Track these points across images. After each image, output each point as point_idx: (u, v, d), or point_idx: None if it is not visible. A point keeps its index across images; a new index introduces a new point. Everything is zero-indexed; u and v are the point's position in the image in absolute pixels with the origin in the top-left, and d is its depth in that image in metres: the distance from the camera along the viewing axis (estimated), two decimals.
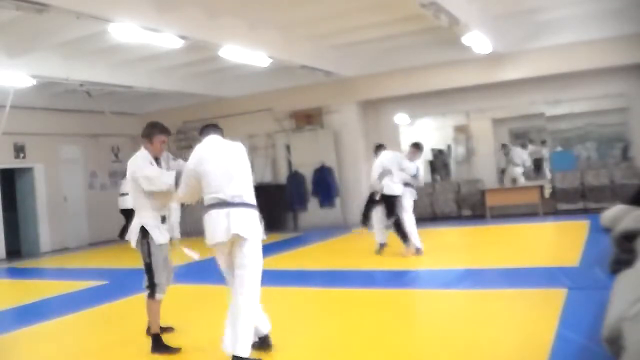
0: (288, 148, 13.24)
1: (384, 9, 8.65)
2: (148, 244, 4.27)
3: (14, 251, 12.52)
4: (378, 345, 4.07)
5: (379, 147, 8.44)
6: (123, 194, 12.47)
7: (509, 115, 12.55)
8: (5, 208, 12.34)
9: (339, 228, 12.01)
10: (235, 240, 3.77)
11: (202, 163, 3.90)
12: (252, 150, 12.92)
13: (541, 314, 4.41)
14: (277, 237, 10.47)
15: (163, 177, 4.21)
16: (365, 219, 8.58)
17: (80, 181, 13.93)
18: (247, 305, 3.74)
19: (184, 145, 14.29)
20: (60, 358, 4.59)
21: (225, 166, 3.87)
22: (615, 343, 2.81)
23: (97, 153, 14.30)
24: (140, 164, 4.30)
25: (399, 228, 7.88)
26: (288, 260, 8.55)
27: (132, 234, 4.35)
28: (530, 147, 12.79)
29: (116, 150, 14.88)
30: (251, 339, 3.74)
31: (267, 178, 13.40)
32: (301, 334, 4.52)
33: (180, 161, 4.50)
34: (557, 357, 3.40)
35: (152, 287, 4.31)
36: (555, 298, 4.71)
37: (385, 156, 8.12)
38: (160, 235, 4.32)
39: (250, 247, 3.79)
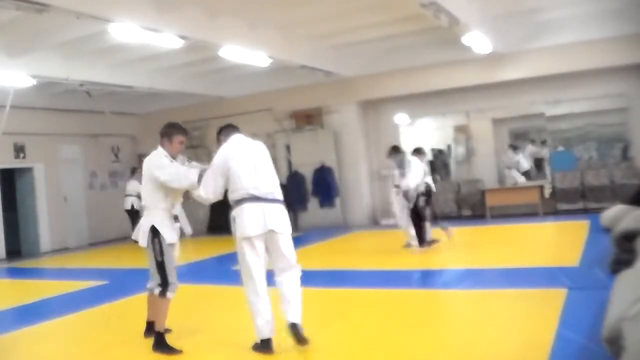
0: (288, 148, 13.24)
1: (384, 9, 8.65)
2: (160, 243, 4.27)
3: (14, 251, 12.51)
4: (378, 345, 4.07)
5: (397, 149, 8.53)
6: (128, 195, 12.51)
7: (509, 115, 12.54)
8: (5, 208, 12.33)
9: (339, 228, 12.01)
10: (269, 236, 3.99)
11: (232, 161, 4.05)
12: None
13: (541, 314, 4.41)
14: None
15: (188, 174, 4.22)
16: (435, 218, 8.43)
17: (80, 181, 13.91)
18: (294, 280, 4.07)
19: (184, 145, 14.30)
20: (60, 358, 4.60)
21: (255, 164, 4.09)
22: (615, 343, 2.81)
23: (97, 153, 14.29)
24: (162, 162, 4.30)
25: (420, 223, 8.01)
26: None
27: (141, 234, 4.34)
28: (531, 148, 12.76)
29: (116, 150, 14.88)
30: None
31: None
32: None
33: (195, 163, 4.53)
34: (557, 357, 3.40)
35: (164, 286, 4.30)
36: (555, 298, 4.71)
37: (419, 159, 8.32)
38: (170, 234, 4.33)
39: (285, 239, 4.05)
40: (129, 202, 12.36)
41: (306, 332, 3.99)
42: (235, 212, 4.02)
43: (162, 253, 4.28)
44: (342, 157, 12.79)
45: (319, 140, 12.75)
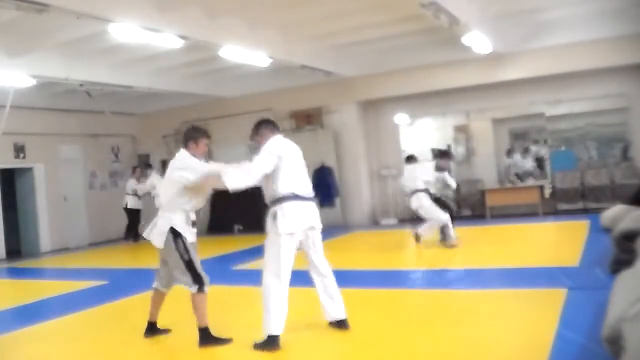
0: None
1: (384, 9, 8.65)
2: (183, 242, 4.26)
3: (14, 251, 12.50)
4: (378, 344, 4.07)
5: (448, 154, 8.97)
6: (126, 193, 12.61)
7: (509, 115, 12.54)
8: (5, 208, 12.33)
9: (339, 228, 12.00)
10: (307, 232, 4.26)
11: (283, 156, 4.23)
12: (252, 150, 12.90)
13: (541, 314, 4.41)
14: None
15: (228, 169, 4.26)
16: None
17: (80, 181, 13.91)
18: (331, 274, 4.41)
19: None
20: (60, 358, 4.60)
21: (299, 164, 4.38)
22: (615, 343, 2.81)
23: (97, 153, 14.29)
24: (190, 162, 4.33)
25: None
26: None
27: (157, 234, 4.30)
28: (532, 148, 12.72)
29: (116, 150, 14.88)
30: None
31: None
32: (301, 333, 4.52)
33: (213, 162, 4.63)
34: (557, 357, 3.40)
35: (199, 282, 4.28)
36: (555, 298, 4.71)
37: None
38: (190, 235, 4.34)
39: (319, 236, 4.38)
40: (124, 200, 12.56)
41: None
42: (276, 209, 4.14)
43: (187, 251, 4.27)
44: (342, 157, 12.79)
45: (319, 140, 12.74)
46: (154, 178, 12.41)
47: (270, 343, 4.02)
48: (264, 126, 4.44)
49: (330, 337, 4.37)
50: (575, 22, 10.13)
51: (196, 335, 4.29)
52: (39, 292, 7.61)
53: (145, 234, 4.47)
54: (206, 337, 4.26)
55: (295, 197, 4.18)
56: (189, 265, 4.26)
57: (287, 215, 4.11)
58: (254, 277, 7.13)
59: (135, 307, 6.03)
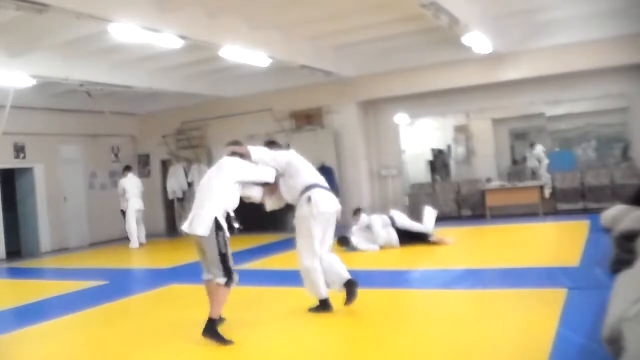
0: (288, 148, 13.20)
1: (384, 9, 8.65)
2: (223, 235, 4.39)
3: (14, 251, 12.50)
4: (377, 345, 4.07)
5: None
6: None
7: (509, 115, 12.56)
8: (5, 208, 12.33)
9: (339, 228, 11.88)
10: (330, 215, 4.88)
11: (292, 160, 5.00)
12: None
13: (541, 314, 4.41)
14: (277, 237, 10.45)
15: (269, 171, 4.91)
16: None
17: (80, 181, 13.92)
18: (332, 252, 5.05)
19: (183, 145, 14.31)
20: (60, 358, 4.60)
21: (308, 165, 5.13)
22: (615, 343, 2.81)
23: (97, 153, 14.30)
24: (247, 165, 4.80)
25: None
26: (288, 261, 8.50)
27: (203, 223, 4.36)
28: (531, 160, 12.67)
29: (116, 150, 14.89)
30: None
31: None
32: (301, 333, 4.52)
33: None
34: (557, 357, 3.40)
35: (229, 276, 4.41)
36: (555, 298, 4.71)
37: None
38: (227, 231, 4.45)
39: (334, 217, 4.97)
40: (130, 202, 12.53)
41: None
42: (309, 194, 4.81)
43: (225, 245, 4.40)
44: (342, 157, 12.78)
45: (319, 140, 12.73)
46: (128, 179, 12.28)
47: (324, 306, 4.87)
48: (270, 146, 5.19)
49: (331, 336, 4.37)
50: (575, 22, 10.13)
51: (199, 336, 4.29)
52: (39, 292, 7.60)
53: (184, 227, 4.51)
54: (210, 329, 4.31)
55: (318, 185, 4.90)
56: (224, 258, 4.39)
57: (320, 198, 4.79)
58: (254, 277, 7.16)
59: (135, 307, 6.04)
